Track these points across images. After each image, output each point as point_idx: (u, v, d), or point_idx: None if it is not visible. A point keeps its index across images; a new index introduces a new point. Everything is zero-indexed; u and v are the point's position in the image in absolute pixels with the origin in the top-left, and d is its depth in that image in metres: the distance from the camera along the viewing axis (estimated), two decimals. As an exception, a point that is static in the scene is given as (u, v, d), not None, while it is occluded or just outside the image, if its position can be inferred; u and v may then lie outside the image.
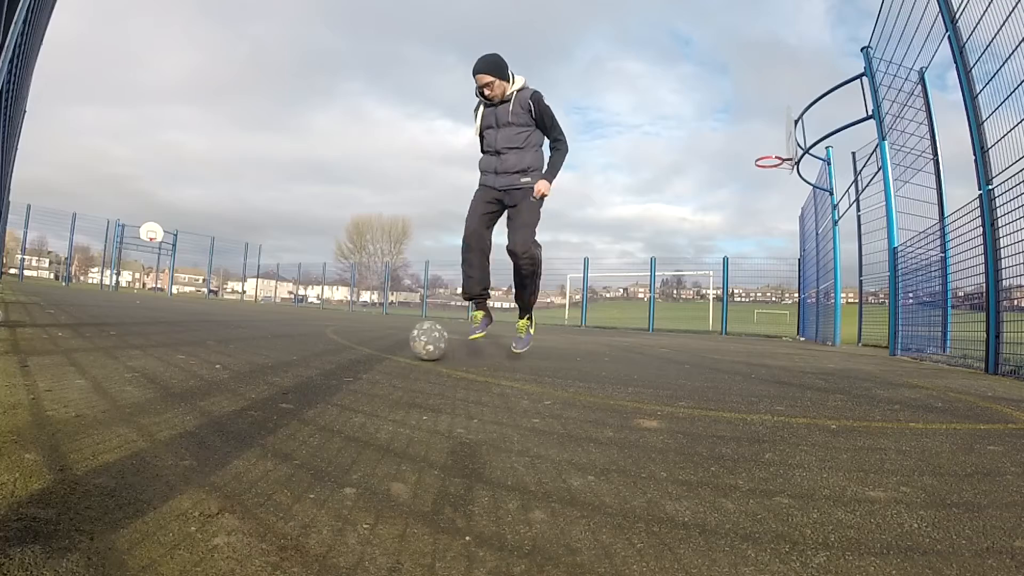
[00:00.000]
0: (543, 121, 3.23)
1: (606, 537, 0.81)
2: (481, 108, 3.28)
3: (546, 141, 3.30)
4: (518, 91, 3.18)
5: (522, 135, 3.22)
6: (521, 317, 3.52)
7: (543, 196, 3.16)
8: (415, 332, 3.25)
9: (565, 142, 3.26)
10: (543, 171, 3.23)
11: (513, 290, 3.47)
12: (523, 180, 3.20)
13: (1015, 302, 4.08)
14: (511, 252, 3.19)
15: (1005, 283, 4.02)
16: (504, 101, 3.20)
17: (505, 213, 3.29)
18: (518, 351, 3.52)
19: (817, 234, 10.54)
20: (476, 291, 3.29)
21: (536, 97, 3.18)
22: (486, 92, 3.14)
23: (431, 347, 3.19)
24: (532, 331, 3.56)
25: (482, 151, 3.36)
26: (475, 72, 3.13)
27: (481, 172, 3.35)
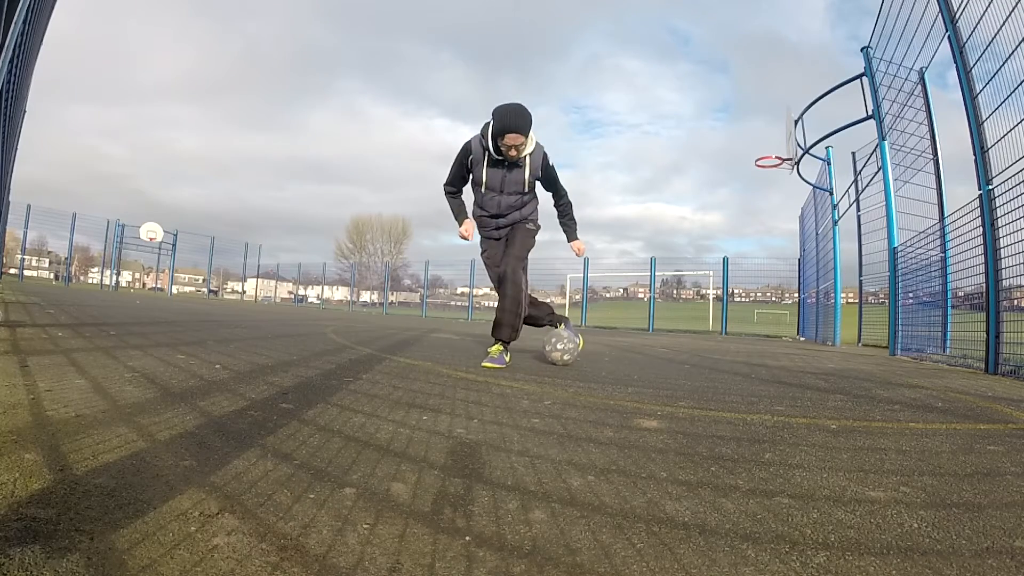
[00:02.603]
0: (548, 180, 3.09)
1: (606, 537, 0.81)
2: (485, 162, 2.92)
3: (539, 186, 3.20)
4: (531, 154, 2.90)
5: (524, 199, 3.08)
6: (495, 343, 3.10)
7: (580, 252, 3.29)
8: (556, 341, 3.11)
9: (567, 195, 3.23)
10: (537, 213, 3.23)
11: (495, 314, 3.15)
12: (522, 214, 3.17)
13: (1015, 302, 4.08)
14: (499, 276, 3.10)
15: (1005, 283, 4.02)
16: (516, 164, 2.90)
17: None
18: (490, 365, 2.91)
19: (817, 234, 10.54)
20: (507, 337, 3.06)
21: (546, 160, 2.98)
22: (511, 153, 2.78)
23: (567, 356, 3.12)
24: (507, 357, 3.08)
25: (474, 201, 3.20)
26: (508, 130, 2.68)
27: (478, 223, 3.22)
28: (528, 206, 3.18)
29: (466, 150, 2.97)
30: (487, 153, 2.87)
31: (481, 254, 3.35)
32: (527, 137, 2.78)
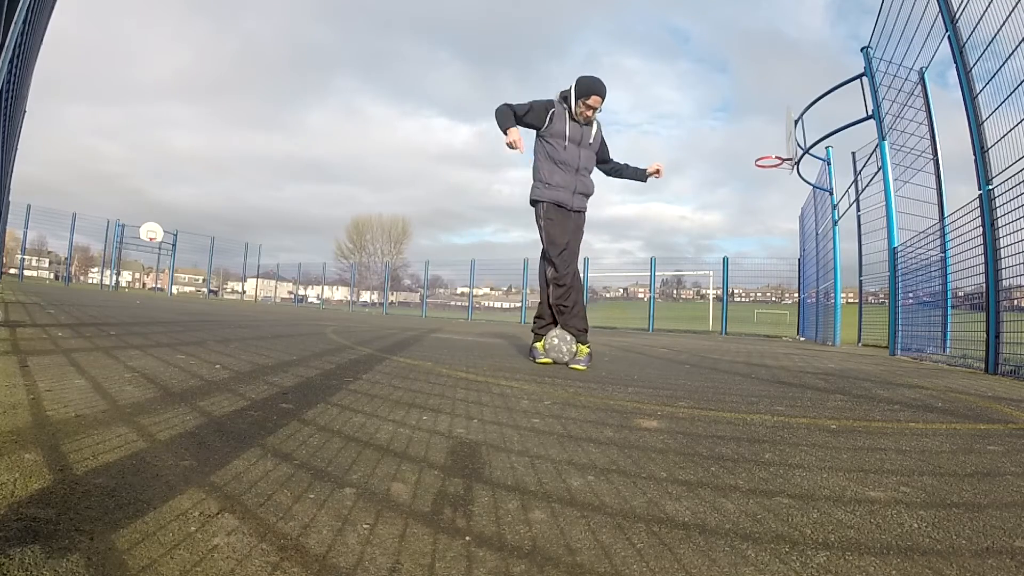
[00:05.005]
0: (605, 147, 3.44)
1: (606, 537, 0.81)
2: (567, 117, 3.21)
3: None
4: (596, 120, 3.33)
5: (593, 162, 3.40)
6: (581, 342, 3.40)
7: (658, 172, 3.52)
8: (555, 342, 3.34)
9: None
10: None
11: (557, 316, 3.47)
12: (584, 206, 3.44)
13: (1015, 302, 4.08)
14: (558, 277, 3.34)
15: (1005, 283, 4.02)
16: (586, 123, 3.28)
17: None
18: (579, 367, 3.20)
19: (817, 234, 10.54)
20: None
21: (601, 127, 3.38)
22: (588, 114, 3.20)
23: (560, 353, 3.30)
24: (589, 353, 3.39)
25: (547, 156, 3.26)
26: (597, 92, 3.13)
27: (552, 185, 3.27)
28: (593, 179, 3.46)
29: (549, 104, 3.23)
30: (567, 111, 3.22)
31: (541, 219, 3.33)
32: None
